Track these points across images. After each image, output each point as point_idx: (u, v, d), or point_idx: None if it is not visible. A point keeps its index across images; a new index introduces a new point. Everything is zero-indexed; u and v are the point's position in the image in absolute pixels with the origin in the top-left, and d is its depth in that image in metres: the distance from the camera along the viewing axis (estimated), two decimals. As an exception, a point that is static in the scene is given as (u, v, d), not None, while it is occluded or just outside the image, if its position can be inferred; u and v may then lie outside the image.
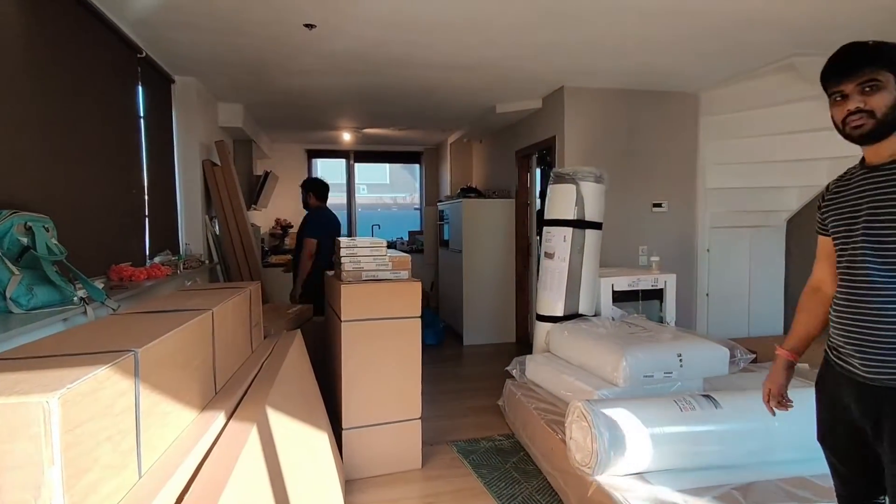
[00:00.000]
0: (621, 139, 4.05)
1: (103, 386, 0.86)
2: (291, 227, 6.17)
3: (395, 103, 4.46)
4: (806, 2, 2.43)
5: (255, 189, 5.11)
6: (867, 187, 1.15)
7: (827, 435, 1.30)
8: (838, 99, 1.16)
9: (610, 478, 1.84)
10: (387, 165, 10.94)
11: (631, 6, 2.48)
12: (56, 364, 0.88)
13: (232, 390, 1.50)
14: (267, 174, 5.20)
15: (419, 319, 2.51)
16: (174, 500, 0.97)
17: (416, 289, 2.50)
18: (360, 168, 7.11)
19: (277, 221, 6.30)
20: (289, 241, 6.06)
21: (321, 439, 2.01)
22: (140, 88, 2.90)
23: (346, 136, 6.03)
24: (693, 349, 2.42)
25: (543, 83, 3.93)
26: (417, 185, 7.48)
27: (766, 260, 4.39)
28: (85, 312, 1.70)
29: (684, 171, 4.21)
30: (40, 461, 0.73)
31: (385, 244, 2.54)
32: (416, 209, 7.53)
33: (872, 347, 1.11)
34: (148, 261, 2.90)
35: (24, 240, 1.59)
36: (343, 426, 2.39)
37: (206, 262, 3.66)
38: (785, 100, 3.57)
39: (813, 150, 3.63)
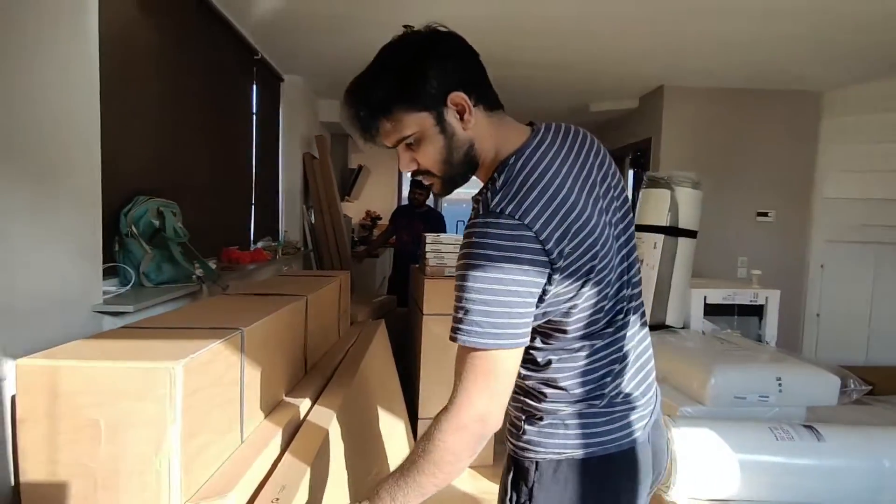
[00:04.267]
0: (725, 142, 3.79)
1: (216, 358, 0.97)
2: (380, 218, 6.41)
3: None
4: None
5: (349, 181, 5.37)
6: None
7: None
8: None
9: (689, 501, 1.76)
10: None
11: (750, 3, 2.31)
12: (179, 336, 1.01)
13: (320, 371, 1.62)
14: (360, 168, 5.45)
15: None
16: (269, 466, 1.07)
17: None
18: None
19: (367, 213, 6.57)
20: (376, 232, 6.31)
21: (398, 426, 2.10)
22: (255, 87, 3.16)
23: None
24: (795, 373, 2.23)
25: (641, 81, 3.76)
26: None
27: (892, 280, 3.91)
28: (201, 290, 1.90)
29: (798, 178, 3.85)
30: (164, 420, 0.84)
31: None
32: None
33: None
34: (252, 245, 3.16)
35: (156, 222, 1.81)
36: (419, 416, 2.47)
37: (302, 248, 3.92)
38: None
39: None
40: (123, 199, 1.75)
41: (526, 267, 0.72)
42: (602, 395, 0.84)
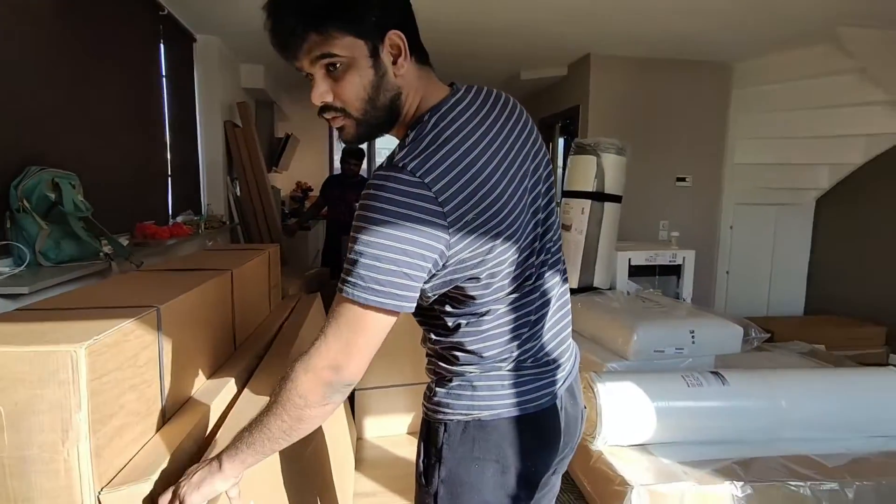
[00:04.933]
0: (647, 110, 3.95)
1: (128, 338, 0.90)
2: (312, 189, 6.21)
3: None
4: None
5: (277, 151, 5.14)
6: None
7: None
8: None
9: (613, 448, 1.88)
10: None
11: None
12: (84, 316, 0.93)
13: (251, 348, 1.56)
14: (288, 136, 5.22)
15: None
16: (197, 448, 1.03)
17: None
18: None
19: (298, 184, 6.34)
20: (308, 204, 6.12)
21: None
22: (162, 46, 2.90)
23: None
24: (706, 326, 2.41)
25: (570, 49, 3.82)
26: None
27: (792, 240, 4.30)
28: (110, 268, 1.76)
29: (711, 145, 4.10)
30: (69, 406, 0.77)
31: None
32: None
33: None
34: (171, 220, 2.97)
35: (52, 195, 1.64)
36: (356, 386, 2.46)
37: (227, 222, 3.73)
38: (824, 72, 3.42)
39: (850, 126, 3.50)
40: (13, 169, 1.57)
41: (421, 227, 0.68)
42: (509, 357, 0.85)
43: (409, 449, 2.43)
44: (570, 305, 0.98)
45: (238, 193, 4.05)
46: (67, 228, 1.66)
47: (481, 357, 0.84)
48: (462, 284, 0.79)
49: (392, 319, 0.73)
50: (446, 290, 0.80)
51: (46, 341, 0.79)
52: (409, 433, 2.56)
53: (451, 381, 0.86)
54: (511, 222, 0.77)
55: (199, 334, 1.24)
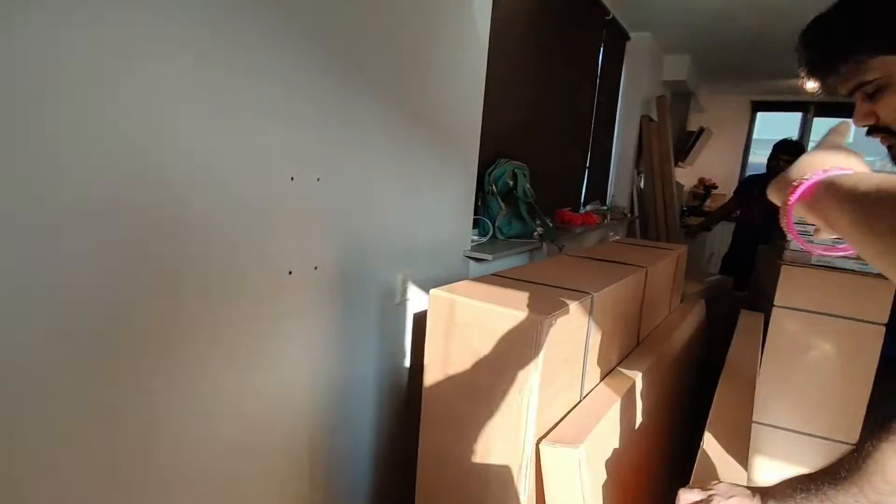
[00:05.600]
0: None
1: (571, 318, 1.04)
2: (716, 187, 5.70)
3: None
4: None
5: (687, 145, 4.92)
6: None
7: None
8: None
9: None
10: (849, 120, 8.55)
11: None
12: (540, 292, 1.11)
13: (653, 345, 1.57)
14: (702, 130, 4.91)
15: (882, 327, 1.95)
16: (611, 429, 1.10)
17: (888, 288, 1.93)
18: (819, 123, 5.80)
19: (701, 181, 5.92)
20: (709, 203, 5.65)
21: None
22: (601, 49, 3.14)
23: (810, 84, 4.97)
24: None
25: None
26: None
27: None
28: (541, 247, 2.07)
29: None
30: (529, 364, 0.95)
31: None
32: (895, 180, 5.68)
33: None
34: (582, 208, 3.25)
35: (511, 182, 2.03)
36: (753, 418, 2.16)
37: (628, 215, 3.83)
38: None
39: None
40: (489, 160, 2.01)
41: None
42: None
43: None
44: None
45: (642, 187, 4.09)
46: (516, 210, 2.03)
47: None
48: None
49: None
50: None
51: (521, 307, 0.98)
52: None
53: None
54: None
55: (616, 324, 1.31)
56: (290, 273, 1.02)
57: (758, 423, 2.18)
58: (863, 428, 1.16)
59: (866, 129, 0.68)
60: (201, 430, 0.89)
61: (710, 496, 0.76)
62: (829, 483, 0.67)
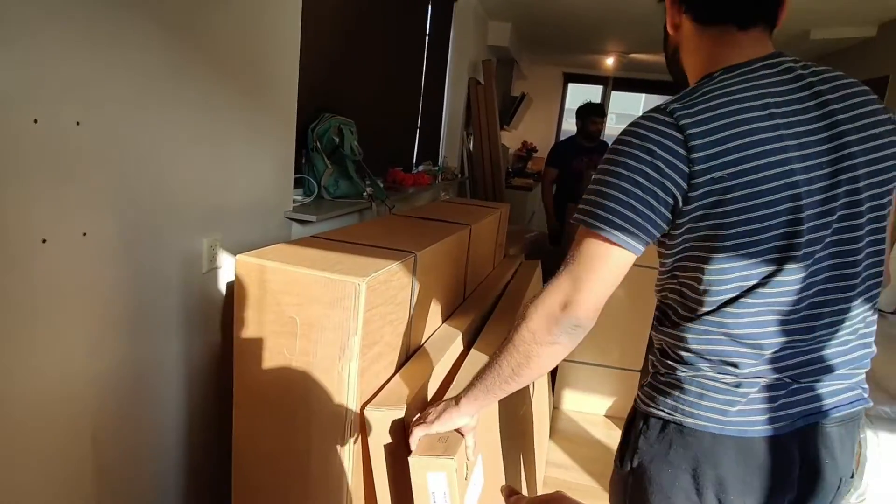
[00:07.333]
0: None
1: (392, 278, 1.01)
2: (536, 150, 6.22)
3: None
4: None
5: (510, 110, 5.23)
6: None
7: None
8: None
9: (874, 511, 1.52)
10: (643, 96, 9.98)
11: None
12: (361, 252, 1.07)
13: (478, 300, 1.64)
14: (523, 96, 5.25)
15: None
16: (438, 386, 1.12)
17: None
18: (616, 97, 6.64)
19: (524, 144, 6.40)
20: (531, 165, 6.15)
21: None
22: (429, 8, 3.11)
23: (609, 61, 5.63)
24: None
25: (883, 4, 2.96)
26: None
27: None
28: (370, 207, 2.01)
29: None
30: (347, 329, 0.90)
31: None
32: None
33: None
34: (414, 168, 3.27)
35: (336, 139, 1.92)
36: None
37: (459, 175, 3.96)
38: None
39: None
40: (311, 115, 1.87)
41: (659, 163, 0.67)
42: (732, 369, 0.73)
43: (604, 432, 2.35)
44: (863, 325, 0.78)
45: (471, 148, 4.26)
46: (344, 169, 1.94)
47: (701, 359, 0.76)
48: (696, 265, 0.72)
49: (621, 261, 0.71)
50: (678, 257, 0.75)
51: (337, 270, 0.92)
52: (606, 416, 2.47)
53: (662, 374, 0.81)
54: (770, 199, 0.67)
55: (440, 282, 1.33)
56: (45, 241, 0.81)
57: (564, 360, 2.47)
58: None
59: None
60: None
61: (425, 414, 0.88)
62: (497, 354, 0.79)
